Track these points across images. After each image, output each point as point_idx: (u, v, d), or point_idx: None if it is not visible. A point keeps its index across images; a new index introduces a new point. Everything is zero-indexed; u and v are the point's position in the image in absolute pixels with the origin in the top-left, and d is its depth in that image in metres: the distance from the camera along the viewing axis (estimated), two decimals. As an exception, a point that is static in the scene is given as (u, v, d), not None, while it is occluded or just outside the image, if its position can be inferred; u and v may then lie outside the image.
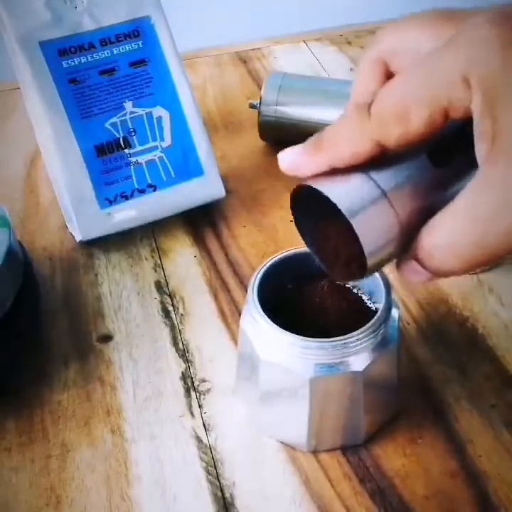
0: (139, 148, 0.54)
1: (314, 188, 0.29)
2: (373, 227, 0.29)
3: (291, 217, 0.33)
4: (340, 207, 0.28)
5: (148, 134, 0.55)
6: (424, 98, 0.26)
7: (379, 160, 0.29)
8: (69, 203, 0.53)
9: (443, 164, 0.30)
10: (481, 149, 0.26)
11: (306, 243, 0.34)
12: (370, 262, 0.29)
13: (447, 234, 0.27)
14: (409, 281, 0.31)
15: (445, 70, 0.26)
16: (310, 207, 0.32)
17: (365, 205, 0.28)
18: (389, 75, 0.31)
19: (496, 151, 0.25)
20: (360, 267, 0.30)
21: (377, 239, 0.29)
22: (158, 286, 0.52)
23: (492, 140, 0.25)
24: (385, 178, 0.29)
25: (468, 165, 0.29)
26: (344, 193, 0.29)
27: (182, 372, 0.46)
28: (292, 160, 0.30)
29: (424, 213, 0.29)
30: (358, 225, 0.28)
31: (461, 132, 0.27)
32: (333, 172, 0.29)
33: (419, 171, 0.29)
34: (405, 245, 0.29)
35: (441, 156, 0.29)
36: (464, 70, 0.25)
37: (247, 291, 0.39)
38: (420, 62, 0.27)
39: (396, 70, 0.31)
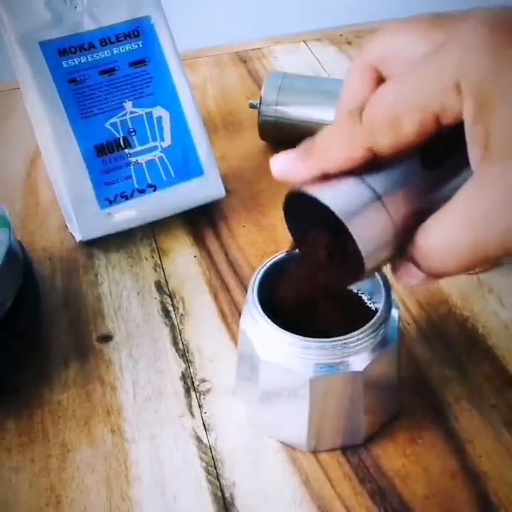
0: (139, 148, 0.54)
1: (307, 194, 0.29)
2: (369, 231, 0.29)
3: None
4: (335, 211, 0.28)
5: (148, 134, 0.55)
6: (415, 104, 0.26)
7: (371, 163, 0.29)
8: (69, 203, 0.53)
9: (435, 166, 0.30)
10: (474, 154, 0.26)
11: (298, 249, 0.35)
12: (368, 265, 0.29)
13: (442, 235, 0.27)
14: (405, 284, 0.31)
15: (436, 76, 0.26)
16: (303, 212, 0.32)
17: (360, 209, 0.28)
18: (380, 81, 0.31)
19: (489, 156, 0.25)
20: (354, 271, 0.30)
21: (374, 242, 0.29)
22: (158, 286, 0.52)
23: (485, 145, 0.25)
24: (378, 181, 0.29)
25: (460, 166, 0.29)
26: (338, 198, 0.29)
27: (182, 372, 0.46)
28: (284, 165, 0.30)
29: (418, 215, 0.29)
30: (354, 228, 0.28)
31: (452, 134, 0.27)
32: (325, 177, 0.29)
33: (412, 173, 0.29)
34: (400, 248, 0.29)
35: (433, 157, 0.29)
36: (454, 75, 0.25)
37: (247, 291, 0.39)
38: (411, 68, 0.27)
39: (387, 76, 0.31)
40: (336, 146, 0.29)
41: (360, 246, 0.28)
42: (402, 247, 0.29)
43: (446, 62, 0.26)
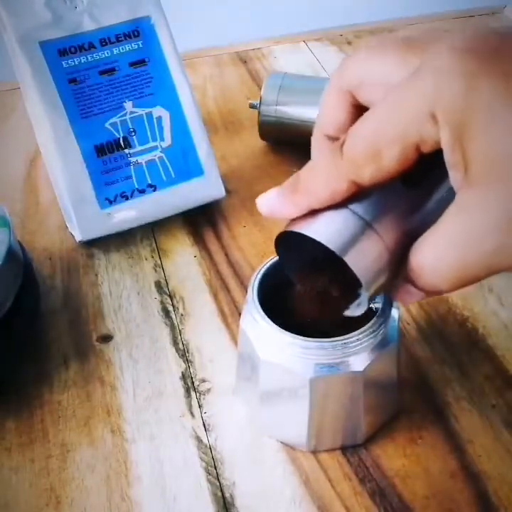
0: (139, 148, 0.54)
1: (299, 233, 0.30)
2: (366, 259, 0.29)
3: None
4: (330, 247, 0.28)
5: (148, 134, 0.55)
6: (394, 136, 0.26)
7: (356, 193, 0.29)
8: (69, 203, 0.53)
9: (416, 185, 0.30)
10: (455, 178, 0.27)
11: (297, 284, 0.35)
12: (368, 293, 0.30)
13: (431, 255, 0.28)
14: (405, 303, 0.31)
15: (412, 107, 0.26)
16: (296, 248, 0.32)
17: (354, 240, 0.29)
18: (356, 105, 0.31)
19: (469, 181, 0.26)
20: (353, 299, 0.31)
21: (372, 269, 0.29)
22: (158, 286, 0.52)
23: (464, 170, 0.26)
24: (365, 208, 0.29)
25: (441, 181, 0.29)
26: (330, 232, 0.29)
27: (182, 372, 0.46)
28: (271, 203, 0.31)
29: (408, 236, 0.29)
30: (351, 260, 0.28)
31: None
32: (313, 211, 0.30)
33: (396, 196, 0.30)
34: (395, 270, 0.30)
35: (413, 177, 0.29)
36: (429, 104, 0.25)
37: (247, 291, 0.39)
38: (387, 98, 0.27)
39: (363, 101, 0.31)
40: (320, 181, 0.29)
41: (359, 276, 0.29)
42: (396, 269, 0.30)
43: (420, 92, 0.26)
